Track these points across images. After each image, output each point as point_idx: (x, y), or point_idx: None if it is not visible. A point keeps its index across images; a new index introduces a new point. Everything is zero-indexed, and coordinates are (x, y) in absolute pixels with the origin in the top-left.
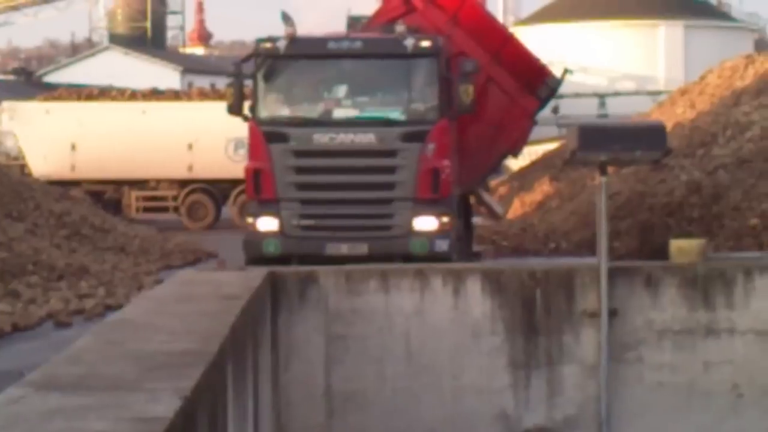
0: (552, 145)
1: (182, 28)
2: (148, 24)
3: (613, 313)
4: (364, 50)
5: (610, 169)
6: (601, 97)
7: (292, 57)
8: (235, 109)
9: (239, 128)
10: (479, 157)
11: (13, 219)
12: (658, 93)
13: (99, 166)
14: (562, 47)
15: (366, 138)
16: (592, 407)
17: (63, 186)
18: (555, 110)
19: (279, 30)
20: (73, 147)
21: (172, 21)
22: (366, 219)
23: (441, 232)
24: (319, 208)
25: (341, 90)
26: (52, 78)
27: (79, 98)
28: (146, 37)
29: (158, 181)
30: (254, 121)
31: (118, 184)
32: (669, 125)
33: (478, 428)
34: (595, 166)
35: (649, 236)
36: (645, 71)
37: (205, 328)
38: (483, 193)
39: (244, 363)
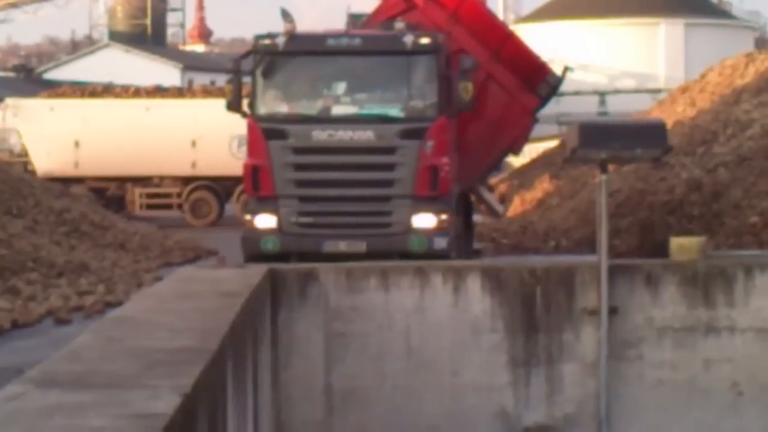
0: (552, 143)
1: (182, 25)
2: (149, 21)
3: (613, 311)
4: (363, 47)
5: (611, 167)
6: (602, 95)
7: (291, 54)
8: (233, 106)
9: (243, 125)
10: (479, 155)
11: (13, 216)
12: (658, 91)
13: (103, 163)
14: (563, 45)
15: (365, 135)
16: (591, 405)
17: (67, 183)
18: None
19: (279, 27)
20: (77, 144)
21: (172, 18)
22: (365, 216)
23: (440, 230)
24: (317, 205)
25: (340, 87)
26: (52, 75)
27: (82, 95)
28: (146, 35)
29: (162, 178)
30: (253, 117)
31: (122, 181)
32: (669, 123)
33: (478, 425)
34: (595, 163)
35: (649, 234)
36: (645, 69)
37: (204, 325)
38: (483, 190)
39: (244, 360)
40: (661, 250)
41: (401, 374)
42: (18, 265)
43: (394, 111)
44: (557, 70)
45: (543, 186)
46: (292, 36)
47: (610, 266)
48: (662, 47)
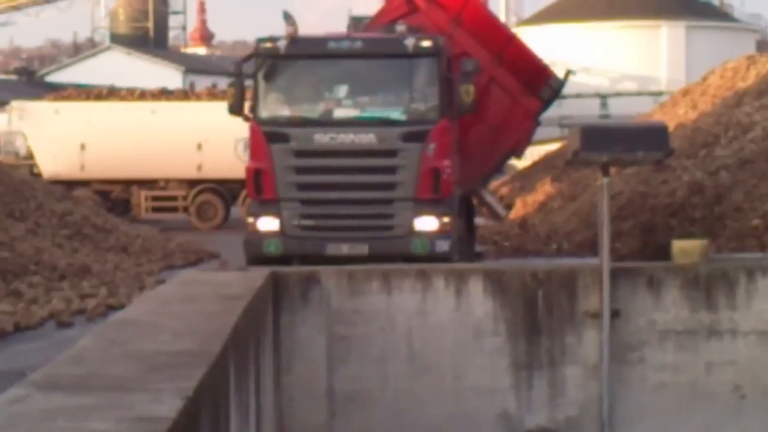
0: (554, 146)
1: (184, 28)
2: (150, 24)
3: (615, 314)
4: (365, 50)
5: (612, 170)
6: (603, 97)
7: (292, 57)
8: (235, 109)
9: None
10: (481, 158)
11: (15, 219)
12: (659, 94)
13: (108, 165)
14: (564, 48)
15: (367, 138)
16: (594, 408)
17: (72, 186)
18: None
19: (281, 30)
20: (83, 147)
21: (173, 21)
22: (367, 219)
23: (442, 233)
24: (319, 208)
25: (342, 90)
26: (54, 78)
27: (88, 98)
28: (148, 37)
29: (167, 181)
30: (255, 121)
31: (128, 183)
32: (671, 126)
33: (480, 429)
34: (597, 166)
35: (651, 237)
36: (647, 72)
37: (207, 329)
38: (485, 193)
39: (247, 363)
40: (663, 253)
41: (403, 377)
42: (20, 268)
43: (396, 114)
44: (559, 72)
45: (545, 189)
46: (294, 39)
47: (612, 269)
48: (664, 50)
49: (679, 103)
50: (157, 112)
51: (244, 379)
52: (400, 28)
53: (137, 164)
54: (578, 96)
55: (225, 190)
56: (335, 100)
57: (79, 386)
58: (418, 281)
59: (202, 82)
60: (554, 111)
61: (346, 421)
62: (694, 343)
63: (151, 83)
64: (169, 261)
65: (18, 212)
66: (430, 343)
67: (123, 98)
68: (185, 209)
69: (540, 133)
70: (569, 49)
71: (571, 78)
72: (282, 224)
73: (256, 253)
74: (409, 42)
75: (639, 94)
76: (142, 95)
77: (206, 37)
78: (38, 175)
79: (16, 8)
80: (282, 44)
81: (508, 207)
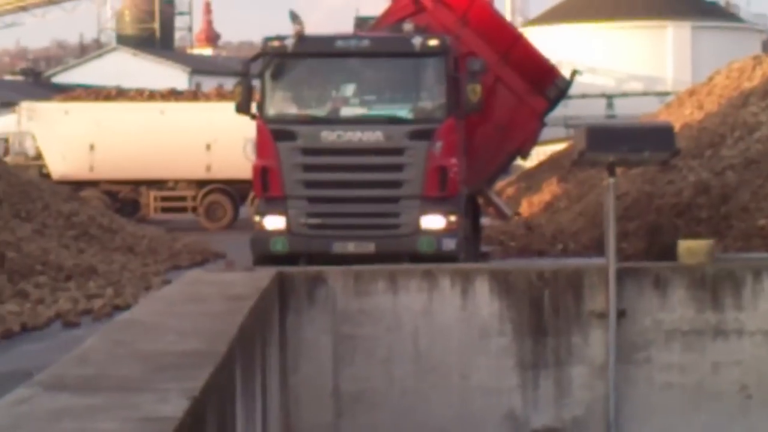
0: (560, 146)
1: (190, 28)
2: (156, 25)
3: (621, 314)
4: (372, 49)
5: (618, 170)
6: (609, 98)
7: (300, 55)
8: (242, 108)
9: None
10: (487, 158)
11: (22, 219)
12: (665, 94)
13: (117, 166)
14: (570, 48)
15: (374, 136)
16: (600, 408)
17: (82, 186)
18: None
19: (287, 30)
20: (92, 147)
21: (179, 22)
22: (373, 217)
23: (448, 231)
24: (326, 206)
25: (349, 88)
26: (61, 79)
27: (97, 99)
28: (154, 38)
29: (176, 182)
30: (262, 119)
31: (137, 184)
32: (677, 126)
33: (487, 428)
34: (603, 166)
35: (657, 237)
36: (653, 72)
37: (213, 329)
38: (491, 193)
39: (253, 363)
40: (669, 253)
41: (410, 377)
42: (27, 268)
43: (403, 112)
44: (565, 73)
45: (551, 189)
46: (301, 37)
47: (619, 269)
48: (670, 50)
49: (685, 104)
50: (166, 112)
51: (251, 379)
52: (408, 26)
53: (146, 165)
54: (584, 96)
55: (234, 190)
56: (342, 99)
57: (85, 386)
58: (424, 281)
59: (208, 83)
60: (560, 111)
61: (352, 420)
62: (701, 343)
63: (157, 84)
64: (175, 261)
65: (24, 213)
66: (437, 343)
67: (132, 99)
68: (194, 209)
69: (546, 133)
70: (575, 50)
71: (577, 78)
72: (288, 222)
73: (263, 252)
74: (417, 41)
75: (645, 94)
76: (152, 96)
77: (212, 38)
78: (48, 176)
79: (23, 9)
80: (290, 43)
81: (518, 214)
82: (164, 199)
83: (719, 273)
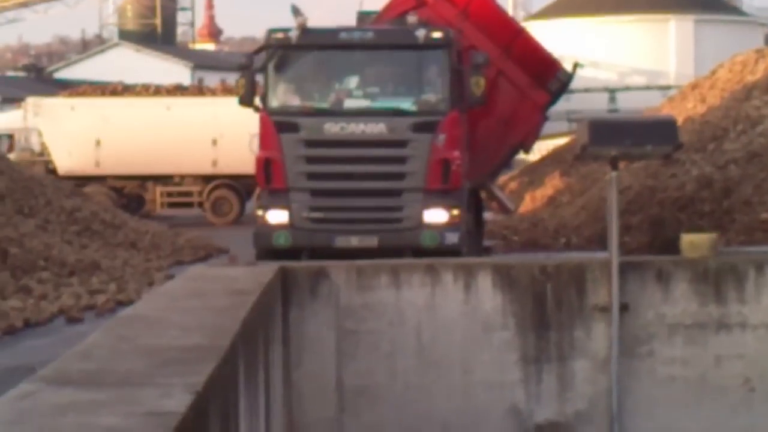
0: (562, 140)
1: (192, 24)
2: (158, 20)
3: (624, 308)
4: (376, 41)
5: (621, 164)
6: (612, 91)
7: (303, 47)
8: (245, 100)
9: None
10: (490, 152)
11: (24, 215)
12: (668, 88)
13: (124, 161)
14: (573, 42)
15: (377, 128)
16: (603, 402)
17: (88, 182)
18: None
19: (289, 25)
20: (98, 143)
21: (182, 17)
22: (376, 211)
23: (451, 225)
24: (329, 200)
25: (352, 80)
26: (63, 74)
27: (103, 94)
28: (156, 34)
29: (183, 177)
30: (265, 111)
31: (143, 179)
32: (679, 120)
33: (490, 423)
34: (605, 160)
35: (659, 231)
36: (655, 66)
37: (216, 324)
38: (494, 187)
39: (256, 358)
40: (671, 246)
41: (412, 371)
42: (29, 264)
43: (406, 104)
44: (567, 66)
45: (553, 183)
46: (305, 30)
47: (621, 263)
48: (672, 44)
49: (688, 97)
50: (172, 108)
51: (254, 373)
52: (412, 19)
53: (152, 160)
54: (587, 90)
55: (240, 185)
56: (346, 91)
57: (88, 381)
58: (427, 276)
59: (211, 78)
60: (562, 105)
61: (355, 415)
62: (704, 336)
63: (160, 79)
64: (178, 256)
65: (27, 208)
66: (439, 338)
67: (138, 94)
68: (200, 205)
69: (548, 127)
70: (577, 44)
71: (579, 72)
72: (291, 217)
73: (266, 246)
74: (420, 33)
75: (648, 88)
76: (157, 91)
77: (214, 33)
78: (53, 172)
79: (25, 5)
80: (293, 35)
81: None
82: (170, 194)
83: (722, 267)
